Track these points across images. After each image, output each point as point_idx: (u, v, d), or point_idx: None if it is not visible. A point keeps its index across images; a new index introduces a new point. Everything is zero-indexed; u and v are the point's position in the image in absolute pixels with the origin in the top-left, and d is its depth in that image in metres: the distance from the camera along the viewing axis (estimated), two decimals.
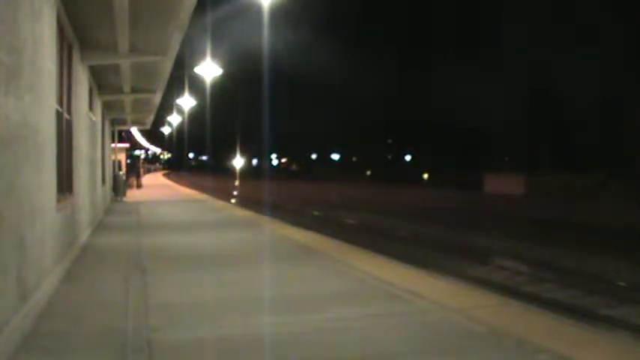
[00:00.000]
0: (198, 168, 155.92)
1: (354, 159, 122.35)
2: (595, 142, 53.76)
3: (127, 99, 19.32)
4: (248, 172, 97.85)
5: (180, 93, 37.72)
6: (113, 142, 28.02)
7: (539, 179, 42.21)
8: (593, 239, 16.94)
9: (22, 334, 5.07)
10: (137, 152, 65.65)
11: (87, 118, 13.07)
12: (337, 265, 8.84)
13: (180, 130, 70.98)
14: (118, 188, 26.20)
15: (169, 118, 55.75)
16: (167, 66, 14.67)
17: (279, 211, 26.16)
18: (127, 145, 39.28)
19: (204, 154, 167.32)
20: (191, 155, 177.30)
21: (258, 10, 20.34)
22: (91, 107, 14.21)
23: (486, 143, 68.22)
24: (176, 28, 10.65)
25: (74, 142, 10.35)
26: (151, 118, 28.49)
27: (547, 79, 64.30)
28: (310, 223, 20.89)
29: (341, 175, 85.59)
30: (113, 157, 27.52)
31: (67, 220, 8.98)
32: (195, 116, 57.48)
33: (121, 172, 29.11)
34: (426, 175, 78.98)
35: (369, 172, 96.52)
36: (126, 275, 8.12)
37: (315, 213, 27.28)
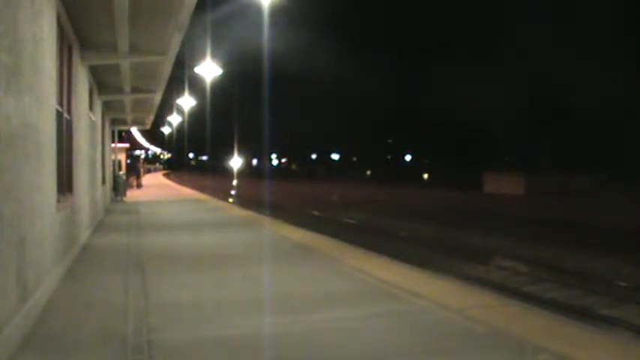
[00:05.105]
0: (199, 168, 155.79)
1: (354, 159, 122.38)
2: (595, 142, 53.77)
3: (127, 99, 19.31)
4: (248, 172, 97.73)
5: (180, 93, 37.76)
6: (113, 142, 28.02)
7: (539, 179, 42.17)
8: (593, 239, 16.95)
9: (22, 333, 5.07)
10: (137, 152, 65.67)
11: (87, 118, 13.07)
12: (337, 265, 8.84)
13: (180, 130, 70.99)
14: (118, 188, 26.23)
15: (169, 118, 55.79)
16: (167, 66, 14.66)
17: (279, 210, 26.15)
18: (127, 145, 39.26)
19: (204, 154, 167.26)
20: (191, 155, 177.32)
21: (258, 10, 20.35)
22: (91, 107, 14.20)
23: (486, 143, 68.27)
24: (176, 28, 10.64)
25: (74, 142, 10.35)
26: (151, 118, 28.49)
27: (547, 79, 64.38)
28: (310, 222, 20.88)
29: (341, 175, 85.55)
30: (113, 157, 27.49)
31: (67, 220, 8.98)
32: (195, 116, 57.49)
33: (121, 172, 29.09)
34: (426, 175, 79.06)
35: (369, 172, 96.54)
36: (126, 275, 8.12)
37: (315, 213, 27.28)
